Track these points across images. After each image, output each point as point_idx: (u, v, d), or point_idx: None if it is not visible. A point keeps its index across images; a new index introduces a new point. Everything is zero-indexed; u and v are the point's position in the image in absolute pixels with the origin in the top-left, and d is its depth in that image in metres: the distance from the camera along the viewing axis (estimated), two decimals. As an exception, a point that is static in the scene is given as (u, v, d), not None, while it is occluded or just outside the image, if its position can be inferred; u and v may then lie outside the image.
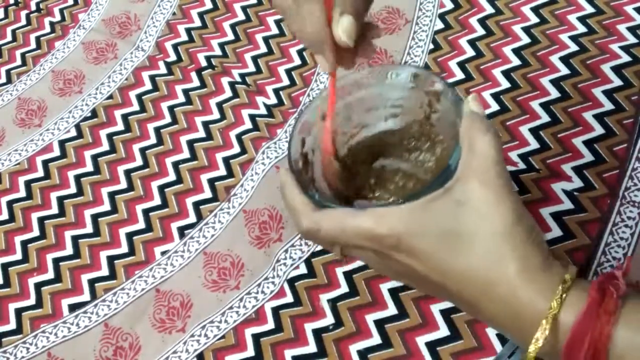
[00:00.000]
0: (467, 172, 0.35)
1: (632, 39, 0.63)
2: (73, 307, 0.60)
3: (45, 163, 0.71)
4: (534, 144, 0.59)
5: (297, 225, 0.40)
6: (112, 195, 0.66)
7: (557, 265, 0.35)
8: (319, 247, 0.59)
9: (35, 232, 0.66)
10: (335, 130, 0.47)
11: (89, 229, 0.65)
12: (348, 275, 0.56)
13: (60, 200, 0.67)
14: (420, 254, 0.35)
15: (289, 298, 0.56)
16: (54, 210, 0.67)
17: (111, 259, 0.62)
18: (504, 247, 0.34)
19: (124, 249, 0.63)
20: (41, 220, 0.66)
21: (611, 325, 0.31)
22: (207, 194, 0.64)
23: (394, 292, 0.54)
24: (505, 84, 0.64)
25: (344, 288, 0.55)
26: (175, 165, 0.67)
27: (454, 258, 0.34)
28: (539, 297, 0.33)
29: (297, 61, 0.72)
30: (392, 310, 0.53)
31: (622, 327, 0.31)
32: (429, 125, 0.47)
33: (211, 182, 0.65)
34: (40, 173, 0.70)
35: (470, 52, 0.67)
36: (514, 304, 0.33)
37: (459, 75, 0.65)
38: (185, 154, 0.68)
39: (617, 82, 0.61)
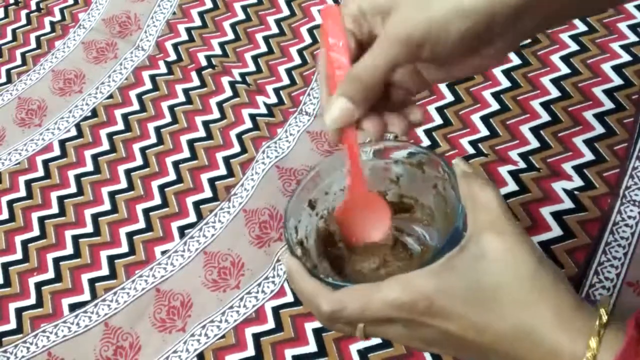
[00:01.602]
0: (478, 226, 0.35)
1: (632, 38, 0.63)
2: (73, 307, 0.60)
3: (46, 162, 0.71)
4: (534, 143, 0.59)
5: (317, 310, 0.37)
6: (112, 194, 0.66)
7: (586, 302, 0.34)
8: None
9: (36, 232, 0.66)
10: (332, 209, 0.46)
11: (89, 228, 0.65)
12: (348, 274, 0.56)
13: (61, 199, 0.67)
14: (453, 314, 0.34)
15: (289, 297, 0.56)
16: (54, 209, 0.67)
17: (111, 259, 0.62)
18: (533, 292, 0.33)
19: (124, 248, 0.63)
20: (41, 220, 0.66)
21: None
22: (207, 193, 0.64)
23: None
24: (505, 84, 0.63)
25: (344, 287, 0.55)
26: (176, 164, 0.67)
27: (487, 312, 0.33)
28: (579, 337, 0.32)
29: (298, 60, 0.72)
30: (392, 309, 0.53)
31: None
32: (428, 196, 0.46)
33: (211, 181, 0.65)
34: (40, 172, 0.70)
35: (470, 52, 0.67)
36: (554, 348, 0.32)
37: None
38: (186, 153, 0.68)
39: (618, 81, 0.61)
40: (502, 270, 0.33)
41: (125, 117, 0.72)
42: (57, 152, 0.71)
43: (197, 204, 0.64)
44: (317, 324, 0.54)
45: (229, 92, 0.71)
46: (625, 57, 0.62)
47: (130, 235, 0.63)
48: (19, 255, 0.64)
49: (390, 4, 0.35)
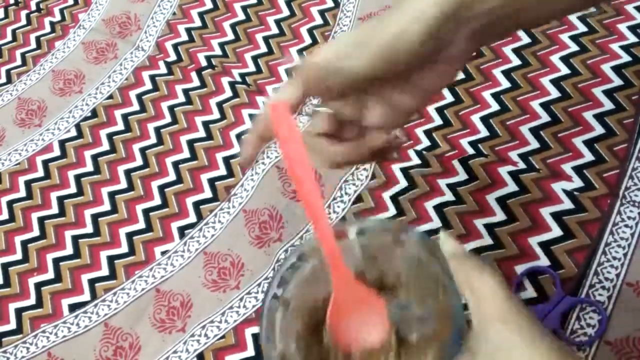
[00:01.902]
0: (484, 319, 0.33)
1: (632, 38, 0.63)
2: (73, 307, 0.60)
3: (46, 163, 0.71)
4: (534, 144, 0.59)
5: None
6: (112, 195, 0.66)
7: None
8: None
9: (36, 232, 0.66)
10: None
11: (89, 228, 0.65)
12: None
13: (61, 200, 0.67)
14: None
15: (289, 298, 0.56)
16: (54, 210, 0.67)
17: (111, 259, 0.62)
18: None
19: (124, 248, 0.63)
20: (41, 220, 0.66)
21: None
22: (207, 193, 0.64)
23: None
24: (505, 84, 0.64)
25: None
26: (176, 165, 0.67)
27: None
28: None
29: (298, 61, 0.72)
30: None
31: None
32: (404, 268, 0.42)
33: (211, 181, 0.65)
34: (40, 173, 0.70)
35: (470, 52, 0.67)
36: None
37: (459, 75, 0.65)
38: (186, 153, 0.68)
39: (618, 81, 0.61)
40: (522, 357, 0.31)
41: (125, 117, 0.72)
42: (57, 152, 0.71)
43: (197, 204, 0.64)
44: (317, 325, 0.54)
45: (229, 93, 0.71)
46: (625, 58, 0.62)
47: (130, 236, 0.63)
48: (19, 256, 0.65)
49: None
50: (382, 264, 0.41)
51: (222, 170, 0.66)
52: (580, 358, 0.33)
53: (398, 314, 0.40)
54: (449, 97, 0.64)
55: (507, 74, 0.64)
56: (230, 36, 0.76)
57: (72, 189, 0.68)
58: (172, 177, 0.66)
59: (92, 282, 0.61)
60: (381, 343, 0.39)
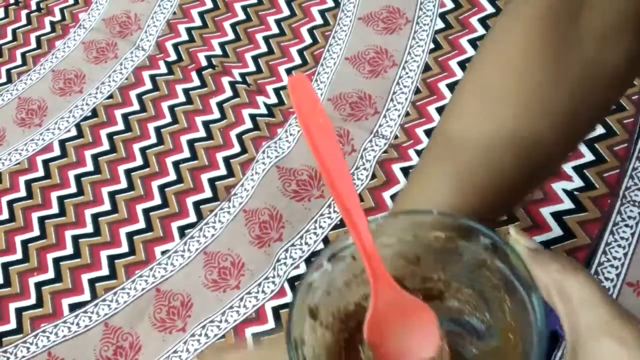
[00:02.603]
0: (582, 332, 0.27)
1: (632, 39, 0.63)
2: (73, 307, 0.60)
3: (46, 162, 0.71)
4: (534, 144, 0.59)
5: None
6: (112, 194, 0.66)
7: None
8: (320, 246, 0.59)
9: (36, 232, 0.66)
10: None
11: (89, 228, 0.65)
12: (348, 274, 0.56)
13: (61, 199, 0.67)
14: None
15: (289, 297, 0.56)
16: (54, 209, 0.67)
17: (111, 259, 0.62)
18: None
19: (124, 248, 0.63)
20: (41, 220, 0.66)
21: None
22: (208, 193, 0.64)
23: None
24: (505, 84, 0.63)
25: (344, 288, 0.55)
26: (176, 164, 0.67)
27: None
28: None
29: (298, 60, 0.72)
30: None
31: None
32: (461, 273, 0.34)
33: (211, 181, 0.65)
34: (40, 172, 0.70)
35: (470, 52, 0.67)
36: None
37: (460, 74, 0.65)
38: (186, 153, 0.68)
39: (618, 81, 0.60)
40: None
41: (125, 117, 0.72)
42: (57, 152, 0.71)
43: (197, 204, 0.64)
44: (317, 324, 0.54)
45: (229, 92, 0.71)
46: (626, 58, 0.62)
47: (130, 235, 0.63)
48: (19, 255, 0.64)
49: None
50: (427, 268, 0.34)
51: (223, 170, 0.66)
52: None
53: (451, 326, 0.34)
54: (449, 97, 0.64)
55: (507, 73, 0.64)
56: (231, 36, 0.76)
57: (73, 189, 0.68)
58: (172, 176, 0.66)
59: (92, 281, 0.61)
60: (431, 354, 0.32)
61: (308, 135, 0.29)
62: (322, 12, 0.75)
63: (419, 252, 0.33)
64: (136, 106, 0.73)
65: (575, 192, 0.56)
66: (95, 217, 0.65)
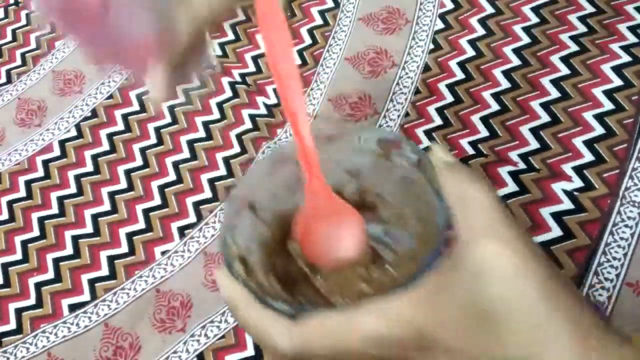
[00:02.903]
0: (471, 233, 0.28)
1: (632, 39, 0.63)
2: (73, 307, 0.60)
3: (46, 163, 0.71)
4: (534, 144, 0.59)
5: (273, 349, 0.29)
6: (112, 195, 0.66)
7: (610, 324, 0.28)
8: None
9: (36, 232, 0.66)
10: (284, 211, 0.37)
11: (89, 228, 0.65)
12: (348, 275, 0.56)
13: (61, 200, 0.67)
14: (448, 348, 0.27)
15: (289, 298, 0.56)
16: (54, 210, 0.67)
17: (111, 259, 0.62)
18: (551, 316, 0.26)
19: (124, 248, 0.63)
20: (41, 220, 0.66)
21: None
22: (207, 193, 0.64)
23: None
24: (505, 84, 0.64)
25: (344, 288, 0.55)
26: (175, 165, 0.67)
27: (491, 343, 0.26)
28: None
29: (297, 61, 0.72)
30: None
31: None
32: (393, 190, 0.38)
33: (211, 182, 0.65)
34: (40, 173, 0.70)
35: (470, 52, 0.67)
36: None
37: (460, 75, 0.65)
38: (185, 153, 0.68)
39: (617, 82, 0.61)
40: (507, 289, 0.27)
41: (125, 117, 0.72)
42: (57, 152, 0.71)
43: (196, 205, 0.64)
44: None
45: (229, 93, 0.71)
46: (625, 58, 0.62)
47: (130, 236, 0.63)
48: (18, 256, 0.64)
49: None
50: (365, 180, 0.37)
51: (222, 170, 0.66)
52: (572, 284, 0.29)
53: (376, 233, 0.37)
54: (449, 97, 0.64)
55: (507, 74, 0.64)
56: (231, 36, 0.76)
57: (72, 189, 0.68)
58: (172, 177, 0.66)
59: (92, 282, 0.61)
60: (353, 259, 0.35)
61: (266, 41, 0.31)
62: (322, 13, 0.75)
63: (359, 166, 0.36)
64: (136, 106, 0.73)
65: (575, 193, 0.56)
66: (95, 217, 0.65)
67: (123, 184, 0.67)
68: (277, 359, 0.30)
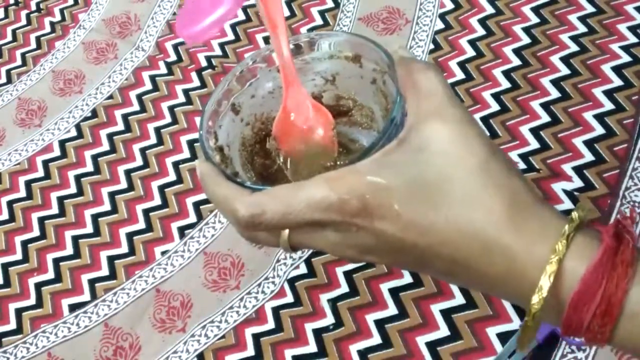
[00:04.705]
0: (419, 115, 0.31)
1: (632, 39, 0.63)
2: (73, 307, 0.60)
3: (46, 163, 0.71)
4: (534, 144, 0.59)
5: (234, 217, 0.32)
6: (112, 195, 0.66)
7: (548, 203, 0.30)
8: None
9: (36, 232, 0.66)
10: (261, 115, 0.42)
11: (89, 229, 0.65)
12: (348, 275, 0.56)
13: (61, 200, 0.67)
14: (390, 213, 0.29)
15: (289, 298, 0.56)
16: (54, 210, 0.67)
17: (111, 259, 0.62)
18: (483, 188, 0.28)
19: (124, 249, 0.63)
20: (41, 220, 0.66)
21: (628, 277, 0.26)
22: (207, 193, 0.64)
23: (394, 291, 0.54)
24: (505, 84, 0.64)
25: (344, 288, 0.55)
26: (176, 165, 0.67)
27: (429, 211, 0.29)
28: (539, 238, 0.27)
29: None
30: (392, 310, 0.53)
31: (639, 281, 0.26)
32: (367, 94, 0.42)
33: (211, 182, 0.65)
34: (40, 173, 0.70)
35: (470, 52, 0.67)
36: (506, 251, 0.28)
37: (460, 75, 0.65)
38: (186, 153, 0.68)
39: (618, 82, 0.61)
40: (447, 163, 0.29)
41: (125, 117, 0.72)
42: (57, 152, 0.71)
43: (197, 205, 0.64)
44: (317, 325, 0.54)
45: (229, 93, 0.71)
46: (625, 58, 0.62)
47: (130, 236, 0.63)
48: (19, 256, 0.65)
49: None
50: (339, 84, 0.41)
51: (222, 171, 0.66)
52: (510, 161, 0.31)
53: (350, 134, 0.41)
54: (449, 97, 0.64)
55: (507, 74, 0.64)
56: (231, 36, 0.76)
57: (72, 189, 0.68)
58: (172, 177, 0.66)
59: (92, 282, 0.61)
60: (323, 150, 0.39)
61: None
62: (321, 13, 0.75)
63: (334, 72, 0.40)
64: (136, 106, 0.73)
65: (575, 193, 0.56)
66: (95, 217, 0.65)
67: (123, 184, 0.67)
68: (237, 227, 0.34)
